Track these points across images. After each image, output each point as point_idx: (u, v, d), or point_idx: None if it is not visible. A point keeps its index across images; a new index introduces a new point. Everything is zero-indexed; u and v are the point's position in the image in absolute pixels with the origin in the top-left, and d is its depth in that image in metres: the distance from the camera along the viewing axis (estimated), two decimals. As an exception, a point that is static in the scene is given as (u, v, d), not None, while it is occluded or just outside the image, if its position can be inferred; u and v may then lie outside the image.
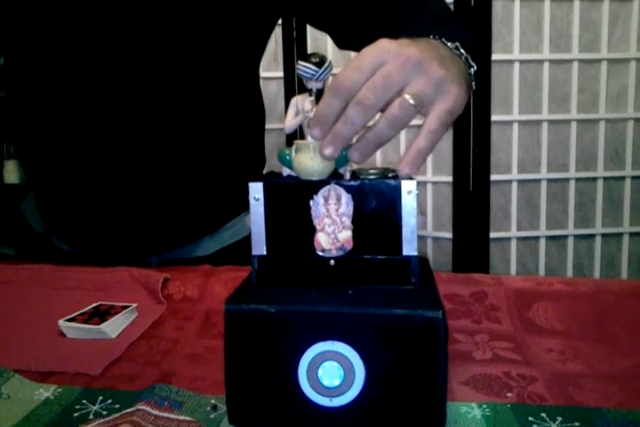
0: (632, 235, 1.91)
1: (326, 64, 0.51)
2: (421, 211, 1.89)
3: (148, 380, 0.56)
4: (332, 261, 0.49)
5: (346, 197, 0.49)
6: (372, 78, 0.49)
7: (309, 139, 0.50)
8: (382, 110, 0.50)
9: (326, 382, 0.46)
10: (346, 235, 0.49)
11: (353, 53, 0.55)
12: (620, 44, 1.80)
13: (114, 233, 0.88)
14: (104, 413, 0.50)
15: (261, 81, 0.98)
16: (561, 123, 1.83)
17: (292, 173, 0.51)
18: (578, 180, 1.87)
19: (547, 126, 1.83)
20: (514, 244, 1.89)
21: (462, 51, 0.58)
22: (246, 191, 0.50)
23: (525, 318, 0.68)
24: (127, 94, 0.80)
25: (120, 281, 0.78)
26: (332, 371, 0.45)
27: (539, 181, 1.86)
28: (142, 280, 0.78)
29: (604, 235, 1.91)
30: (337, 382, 0.46)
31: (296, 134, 0.59)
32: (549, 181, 1.87)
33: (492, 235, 1.84)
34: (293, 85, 1.84)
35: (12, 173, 1.41)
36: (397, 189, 0.48)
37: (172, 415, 0.48)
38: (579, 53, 1.79)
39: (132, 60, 0.79)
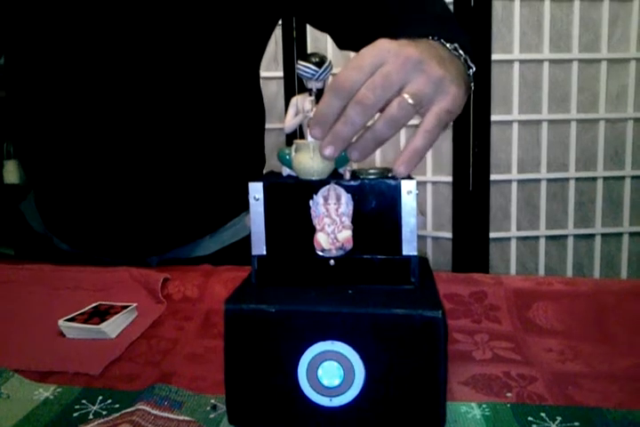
0: (632, 235, 1.91)
1: (326, 64, 0.51)
2: (421, 211, 1.89)
3: (147, 380, 0.56)
4: (332, 261, 0.49)
5: (345, 197, 0.49)
6: (371, 78, 0.49)
7: (309, 138, 0.50)
8: (382, 110, 0.50)
9: (326, 382, 0.46)
10: (346, 235, 0.49)
11: (353, 53, 0.55)
12: (619, 44, 1.80)
13: (114, 233, 0.88)
14: (104, 413, 0.50)
15: (261, 81, 0.98)
16: (561, 123, 1.83)
17: (292, 173, 0.51)
18: (578, 179, 1.87)
19: (546, 126, 1.83)
20: (513, 244, 1.89)
21: (461, 52, 0.58)
22: (246, 191, 0.50)
23: (525, 318, 0.68)
24: (127, 94, 0.80)
25: (120, 281, 0.78)
26: (331, 371, 0.45)
27: (538, 180, 1.86)
28: (142, 280, 0.78)
29: (603, 235, 1.91)
30: (337, 381, 0.46)
31: (296, 134, 0.59)
32: (549, 180, 1.87)
33: (492, 235, 1.84)
34: (293, 85, 1.84)
35: (11, 173, 1.41)
36: (397, 189, 0.48)
37: (171, 415, 0.48)
38: (578, 53, 1.79)
39: (132, 59, 0.79)
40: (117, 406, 0.51)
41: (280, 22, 1.78)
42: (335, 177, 0.50)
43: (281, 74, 1.86)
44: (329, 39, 0.88)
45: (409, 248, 0.49)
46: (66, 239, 0.93)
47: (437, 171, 1.87)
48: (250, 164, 0.97)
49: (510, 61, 1.79)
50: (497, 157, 1.83)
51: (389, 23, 0.71)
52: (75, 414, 0.50)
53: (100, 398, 0.53)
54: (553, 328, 0.66)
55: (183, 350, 0.63)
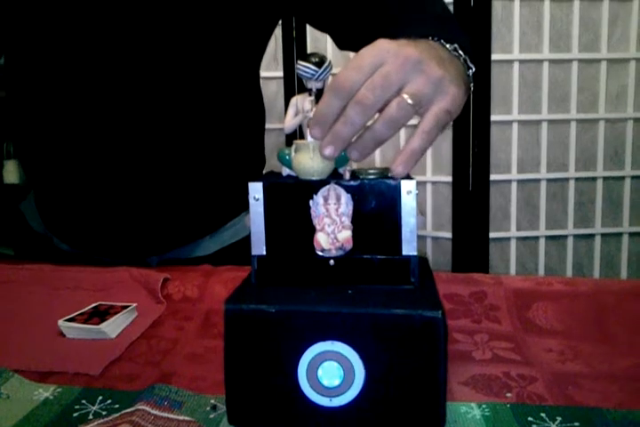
0: (631, 235, 1.91)
1: (326, 64, 0.51)
2: (421, 211, 1.88)
3: (147, 380, 0.56)
4: (332, 261, 0.49)
5: (345, 197, 0.49)
6: (371, 78, 0.49)
7: (309, 138, 0.50)
8: (381, 110, 0.50)
9: (326, 382, 0.46)
10: (345, 235, 0.49)
11: (353, 53, 0.56)
12: (619, 43, 1.80)
13: (114, 233, 0.88)
14: (104, 413, 0.50)
15: (261, 81, 0.98)
16: (560, 123, 1.83)
17: (292, 173, 0.51)
18: (577, 180, 1.87)
19: (546, 126, 1.83)
20: (513, 244, 1.89)
21: (461, 52, 0.58)
22: (246, 191, 0.50)
23: (525, 318, 0.68)
24: (127, 94, 0.80)
25: (120, 281, 0.78)
26: (331, 371, 0.45)
27: (538, 180, 1.86)
28: (142, 280, 0.78)
29: (603, 235, 1.91)
30: (337, 382, 0.46)
31: (296, 134, 0.59)
32: (549, 180, 1.87)
33: (492, 235, 1.84)
34: (293, 85, 1.84)
35: (11, 173, 1.41)
36: (397, 189, 0.48)
37: (171, 415, 0.48)
38: (578, 53, 1.79)
39: (132, 59, 0.79)
40: (117, 406, 0.51)
41: (280, 22, 1.78)
42: (335, 177, 0.50)
43: (281, 74, 1.86)
44: (329, 39, 0.88)
45: (409, 248, 0.49)
46: (66, 239, 0.93)
47: (437, 171, 1.87)
48: (250, 164, 0.97)
49: (510, 61, 1.79)
50: (497, 157, 1.83)
51: (389, 23, 0.71)
52: (75, 415, 0.50)
53: (100, 398, 0.53)
54: (553, 328, 0.66)
55: (183, 350, 0.63)
